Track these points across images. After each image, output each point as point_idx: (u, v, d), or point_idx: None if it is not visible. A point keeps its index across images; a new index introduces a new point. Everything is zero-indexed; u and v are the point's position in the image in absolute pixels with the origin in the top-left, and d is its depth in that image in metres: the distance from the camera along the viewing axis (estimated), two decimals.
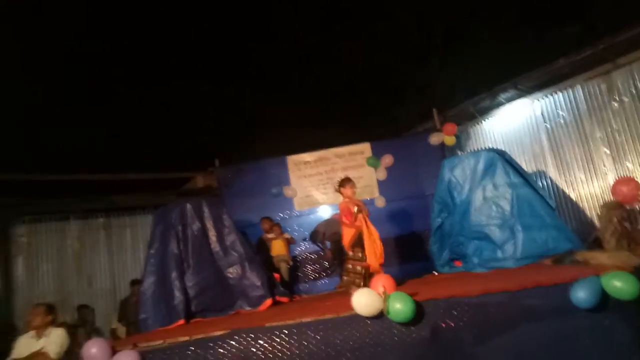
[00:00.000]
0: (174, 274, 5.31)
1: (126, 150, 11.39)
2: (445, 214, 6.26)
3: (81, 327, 7.96)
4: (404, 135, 10.30)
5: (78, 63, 10.36)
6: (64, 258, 8.81)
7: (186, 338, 3.54)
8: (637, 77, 6.83)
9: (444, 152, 8.50)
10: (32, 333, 4.90)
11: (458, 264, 6.08)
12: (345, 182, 5.28)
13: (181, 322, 5.08)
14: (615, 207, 5.15)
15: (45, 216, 8.76)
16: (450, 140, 8.32)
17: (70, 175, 8.92)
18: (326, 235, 7.33)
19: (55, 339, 4.89)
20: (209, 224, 5.68)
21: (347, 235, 5.09)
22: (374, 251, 4.95)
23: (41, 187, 8.56)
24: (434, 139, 8.39)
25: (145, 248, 8.87)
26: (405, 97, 12.84)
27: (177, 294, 5.23)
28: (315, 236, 7.71)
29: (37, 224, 8.69)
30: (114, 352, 3.35)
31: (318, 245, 7.92)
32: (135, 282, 8.09)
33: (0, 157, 8.66)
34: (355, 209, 5.06)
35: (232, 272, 5.56)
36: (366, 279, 4.82)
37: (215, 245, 5.63)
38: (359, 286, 4.67)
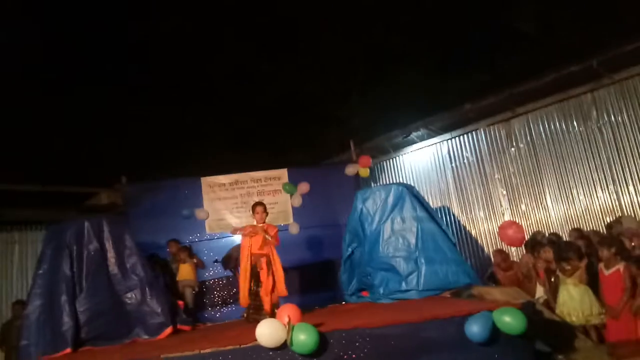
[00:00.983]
0: (63, 298, 4.87)
1: (21, 157, 10.45)
2: (356, 244, 6.38)
3: None
4: (322, 164, 10.48)
5: None
6: None
7: None
8: (532, 125, 7.54)
9: (359, 183, 8.74)
10: None
11: (365, 294, 6.18)
12: (255, 205, 5.36)
13: (68, 350, 4.66)
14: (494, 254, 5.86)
15: None
16: (364, 172, 8.57)
17: None
18: (238, 260, 7.15)
19: None
20: (109, 245, 5.31)
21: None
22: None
23: None
24: (350, 169, 8.61)
25: (34, 267, 8.12)
26: (326, 127, 13.11)
27: (66, 320, 4.80)
28: (227, 261, 7.50)
29: None
30: None
31: (230, 271, 7.72)
32: (20, 303, 7.32)
33: None
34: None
35: (131, 297, 5.21)
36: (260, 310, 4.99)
37: (113, 268, 5.26)
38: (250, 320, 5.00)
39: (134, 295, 5.20)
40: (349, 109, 13.12)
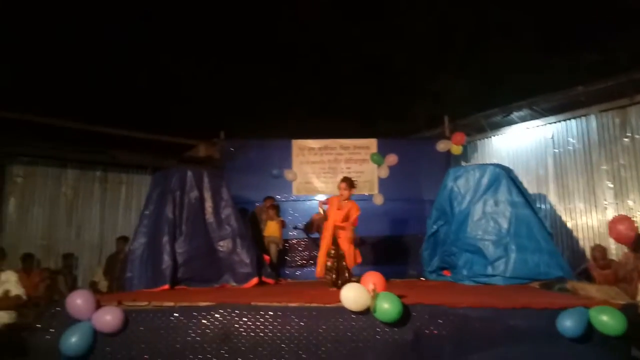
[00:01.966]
0: (165, 238, 5.30)
1: (133, 107, 11.35)
2: (442, 221, 6.28)
3: (61, 275, 7.99)
4: (412, 138, 10.27)
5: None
6: (56, 205, 8.76)
7: (171, 304, 3.54)
8: None
9: (449, 160, 8.49)
10: None
11: (446, 273, 6.11)
12: (340, 181, 5.40)
13: (166, 287, 5.08)
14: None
15: (42, 160, 8.68)
16: (457, 149, 8.31)
17: (69, 122, 8.81)
18: (320, 227, 7.32)
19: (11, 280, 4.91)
20: (207, 195, 5.67)
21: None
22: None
23: (38, 129, 8.47)
24: (442, 145, 8.37)
25: (137, 207, 8.89)
26: (419, 100, 12.80)
27: (166, 259, 5.23)
28: (309, 227, 7.72)
29: (33, 167, 8.62)
30: (98, 306, 3.34)
31: (309, 237, 7.96)
32: (123, 239, 8.10)
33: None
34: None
35: (223, 245, 5.56)
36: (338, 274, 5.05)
37: (210, 217, 5.62)
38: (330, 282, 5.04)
39: (226, 244, 5.54)
40: (444, 82, 12.66)
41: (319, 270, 5.18)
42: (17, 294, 4.95)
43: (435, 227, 6.34)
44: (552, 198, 7.74)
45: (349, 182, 5.32)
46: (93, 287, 7.96)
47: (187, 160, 9.58)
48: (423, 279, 6.43)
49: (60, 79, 10.88)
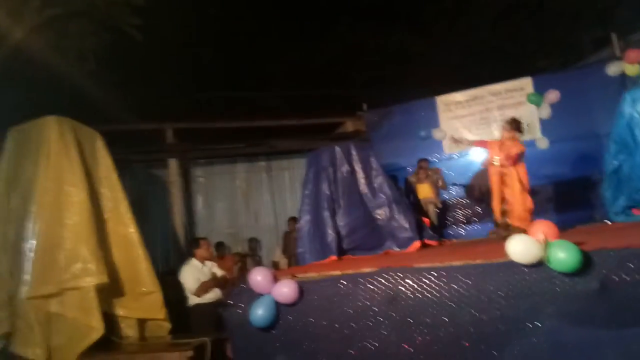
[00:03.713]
0: (326, 214, 5.61)
1: (284, 98, 12.14)
2: (624, 155, 5.46)
3: (250, 257, 9.04)
4: (573, 67, 9.06)
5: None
6: (234, 196, 9.91)
7: (338, 272, 3.75)
8: None
9: (625, 84, 7.28)
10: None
11: (637, 212, 5.33)
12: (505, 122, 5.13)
13: (334, 257, 5.39)
14: None
15: (216, 160, 9.87)
16: (633, 69, 7.06)
17: (236, 122, 9.88)
18: (482, 189, 6.97)
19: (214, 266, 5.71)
20: (357, 167, 5.82)
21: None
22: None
23: (211, 133, 9.65)
24: (613, 68, 7.22)
25: (301, 188, 9.55)
26: (577, 23, 11.18)
27: (330, 232, 5.53)
28: (471, 191, 7.43)
29: (210, 167, 9.87)
30: (275, 280, 3.71)
31: (473, 201, 7.67)
32: (293, 219, 8.80)
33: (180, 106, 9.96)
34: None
35: (381, 213, 5.67)
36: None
37: (363, 188, 5.77)
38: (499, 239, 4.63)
39: (383, 212, 5.65)
40: None
41: (497, 217, 5.10)
42: (223, 275, 5.75)
43: (616, 162, 5.53)
44: None
45: (511, 122, 5.00)
46: (275, 266, 8.82)
47: (337, 137, 9.92)
48: (608, 222, 5.70)
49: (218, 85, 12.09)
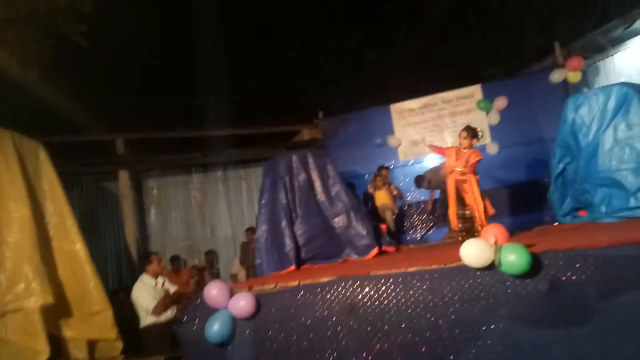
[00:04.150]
0: (283, 223, 5.53)
1: (240, 107, 12.02)
2: (568, 158, 5.69)
3: (207, 270, 8.83)
4: (520, 75, 9.43)
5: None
6: (189, 208, 9.67)
7: (296, 283, 3.71)
8: None
9: (568, 90, 7.65)
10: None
11: (582, 213, 5.55)
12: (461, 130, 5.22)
13: (292, 268, 5.31)
14: None
15: (171, 170, 9.62)
16: (574, 76, 7.44)
17: (190, 132, 9.69)
18: (432, 183, 7.11)
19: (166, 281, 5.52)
20: (314, 175, 5.78)
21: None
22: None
23: (162, 143, 9.42)
24: (556, 76, 7.56)
25: (258, 198, 9.45)
26: (522, 32, 11.68)
27: (288, 242, 5.46)
28: (420, 181, 7.53)
29: (164, 177, 9.61)
30: (231, 294, 3.62)
31: (422, 187, 7.77)
32: (251, 229, 8.67)
33: (131, 116, 9.67)
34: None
35: (339, 221, 5.65)
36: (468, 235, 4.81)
37: (321, 196, 5.74)
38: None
39: (341, 220, 5.62)
40: (549, 4, 11.34)
41: (453, 225, 5.15)
42: (177, 290, 5.56)
43: (561, 166, 5.76)
44: None
45: (468, 130, 5.08)
46: (233, 279, 8.67)
47: (294, 146, 9.91)
48: (557, 223, 5.93)
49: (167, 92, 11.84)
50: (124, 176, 8.73)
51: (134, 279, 5.52)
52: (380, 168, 7.65)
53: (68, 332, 4.72)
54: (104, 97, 9.53)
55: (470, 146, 5.10)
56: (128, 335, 5.09)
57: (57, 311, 4.55)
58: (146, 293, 5.11)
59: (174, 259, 8.16)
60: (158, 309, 5.04)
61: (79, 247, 4.94)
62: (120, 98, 10.21)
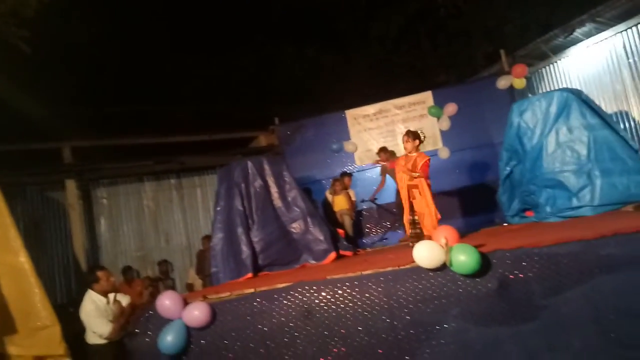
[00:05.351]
0: (240, 230, 5.47)
1: (195, 113, 11.82)
2: (515, 161, 5.93)
3: (162, 281, 8.57)
4: (469, 81, 9.76)
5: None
6: (141, 217, 9.38)
7: (252, 290, 3.67)
8: None
9: (513, 96, 7.98)
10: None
11: (529, 214, 5.79)
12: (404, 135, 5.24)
13: (249, 275, 5.25)
14: None
15: (121, 179, 9.31)
16: (519, 83, 7.76)
17: (142, 139, 9.43)
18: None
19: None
20: (271, 181, 5.76)
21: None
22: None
23: (116, 151, 9.13)
24: (502, 82, 7.86)
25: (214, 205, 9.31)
26: (470, 41, 12.11)
27: (245, 249, 5.40)
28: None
29: (114, 187, 9.28)
30: (185, 303, 3.54)
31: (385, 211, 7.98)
32: (208, 237, 8.51)
33: (79, 124, 9.31)
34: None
35: (296, 227, 5.64)
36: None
37: (277, 202, 5.71)
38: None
39: (298, 225, 5.62)
40: (495, 16, 11.83)
41: (407, 231, 5.19)
42: (130, 303, 5.30)
43: (508, 168, 5.99)
44: (635, 112, 7.04)
45: (410, 134, 5.08)
46: (189, 288, 8.46)
47: (250, 152, 9.84)
48: (506, 224, 6.15)
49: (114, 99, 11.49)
50: (71, 185, 8.39)
51: (83, 293, 5.22)
52: (343, 174, 7.72)
53: (12, 349, 4.44)
54: (49, 104, 9.12)
55: (416, 149, 5.10)
56: (78, 351, 4.84)
57: (0, 327, 4.28)
58: (98, 316, 4.69)
59: (127, 270, 7.88)
60: (114, 333, 4.72)
61: (23, 260, 4.65)
62: (67, 105, 9.82)
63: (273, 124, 9.20)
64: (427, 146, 8.05)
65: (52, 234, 8.36)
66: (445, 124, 8.06)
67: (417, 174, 4.92)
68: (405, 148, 5.16)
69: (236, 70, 13.08)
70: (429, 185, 5.00)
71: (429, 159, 5.05)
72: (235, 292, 3.72)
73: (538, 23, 10.26)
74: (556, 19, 8.50)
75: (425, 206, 4.93)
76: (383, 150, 7.51)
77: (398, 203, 6.85)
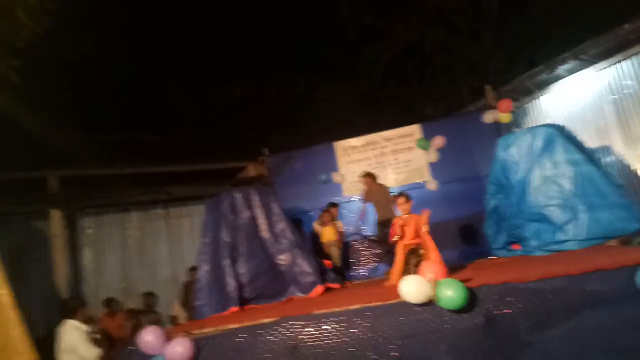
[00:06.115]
0: (226, 262, 5.42)
1: (182, 143, 11.84)
2: (501, 195, 6.00)
3: (146, 314, 8.36)
4: (456, 115, 9.93)
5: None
6: (127, 248, 9.23)
7: (236, 325, 3.61)
8: None
9: (500, 130, 8.11)
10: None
11: (516, 247, 5.82)
12: (397, 197, 5.23)
13: (235, 308, 5.17)
14: None
15: (107, 209, 9.20)
16: (505, 117, 7.92)
17: (129, 169, 9.38)
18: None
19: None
20: (259, 212, 5.74)
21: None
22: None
23: (103, 180, 9.05)
24: (488, 117, 8.02)
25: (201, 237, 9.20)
26: (457, 75, 12.40)
27: (230, 281, 5.33)
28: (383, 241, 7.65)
29: (100, 216, 9.15)
30: (168, 339, 3.46)
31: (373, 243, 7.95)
32: (194, 269, 8.37)
33: (65, 152, 9.26)
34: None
35: (283, 259, 5.60)
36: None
37: (265, 233, 5.69)
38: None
39: (285, 257, 5.58)
40: (481, 51, 12.17)
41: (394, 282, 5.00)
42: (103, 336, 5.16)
43: (494, 202, 6.06)
44: (618, 147, 7.18)
45: (405, 196, 5.08)
46: (174, 321, 8.26)
47: (239, 182, 9.79)
48: (492, 257, 6.16)
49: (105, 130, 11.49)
50: (56, 215, 8.25)
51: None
52: (330, 205, 7.71)
53: None
54: (35, 133, 9.09)
55: (406, 210, 5.01)
56: None
57: None
58: (86, 340, 4.69)
59: (109, 302, 7.69)
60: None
61: (3, 292, 4.55)
62: (54, 134, 9.80)
63: (262, 154, 9.22)
64: (415, 178, 8.19)
65: (34, 265, 8.16)
66: (433, 156, 8.15)
67: (425, 228, 4.74)
68: (403, 210, 5.03)
69: (226, 101, 13.20)
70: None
71: (428, 216, 4.84)
72: (219, 327, 3.66)
73: (523, 59, 10.56)
74: (540, 56, 8.74)
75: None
76: (368, 175, 7.53)
77: (384, 235, 6.83)
